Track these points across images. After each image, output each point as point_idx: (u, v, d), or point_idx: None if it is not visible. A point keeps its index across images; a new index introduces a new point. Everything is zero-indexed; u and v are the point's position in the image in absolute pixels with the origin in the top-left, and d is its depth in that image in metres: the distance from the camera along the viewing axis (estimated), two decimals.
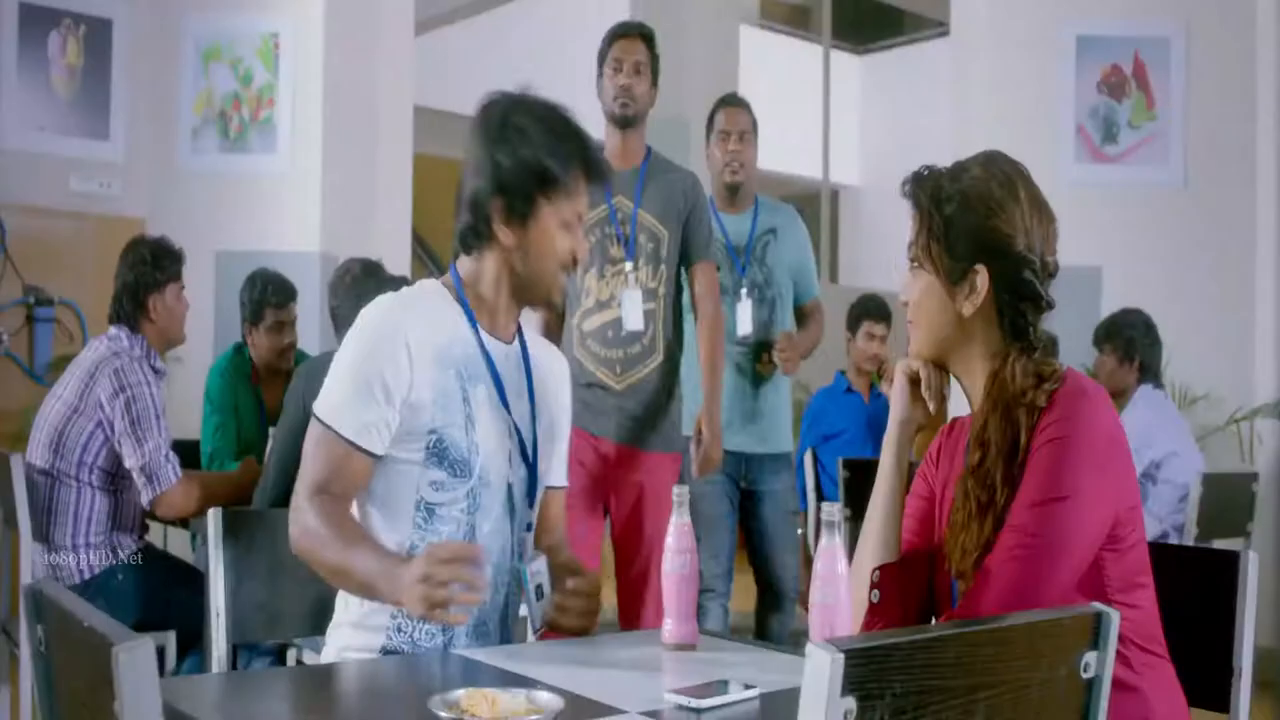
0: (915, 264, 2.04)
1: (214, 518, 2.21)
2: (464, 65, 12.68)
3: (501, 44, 13.16)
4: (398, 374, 2.21)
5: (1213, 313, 6.26)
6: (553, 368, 2.50)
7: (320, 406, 2.25)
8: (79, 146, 6.48)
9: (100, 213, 6.47)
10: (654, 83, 4.04)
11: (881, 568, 1.98)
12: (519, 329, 2.44)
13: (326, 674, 2.06)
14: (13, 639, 3.90)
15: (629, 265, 3.83)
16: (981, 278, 1.98)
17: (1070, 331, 5.47)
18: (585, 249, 2.40)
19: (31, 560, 3.74)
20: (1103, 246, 6.24)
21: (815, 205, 14.56)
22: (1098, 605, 1.40)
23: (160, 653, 3.80)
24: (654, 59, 4.03)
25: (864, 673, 1.15)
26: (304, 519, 2.18)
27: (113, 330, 4.09)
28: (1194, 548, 2.16)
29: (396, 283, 3.93)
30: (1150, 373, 4.98)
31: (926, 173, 2.07)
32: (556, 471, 2.47)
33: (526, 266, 2.31)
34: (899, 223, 2.12)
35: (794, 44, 15.67)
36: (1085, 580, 1.87)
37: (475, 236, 2.32)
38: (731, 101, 4.90)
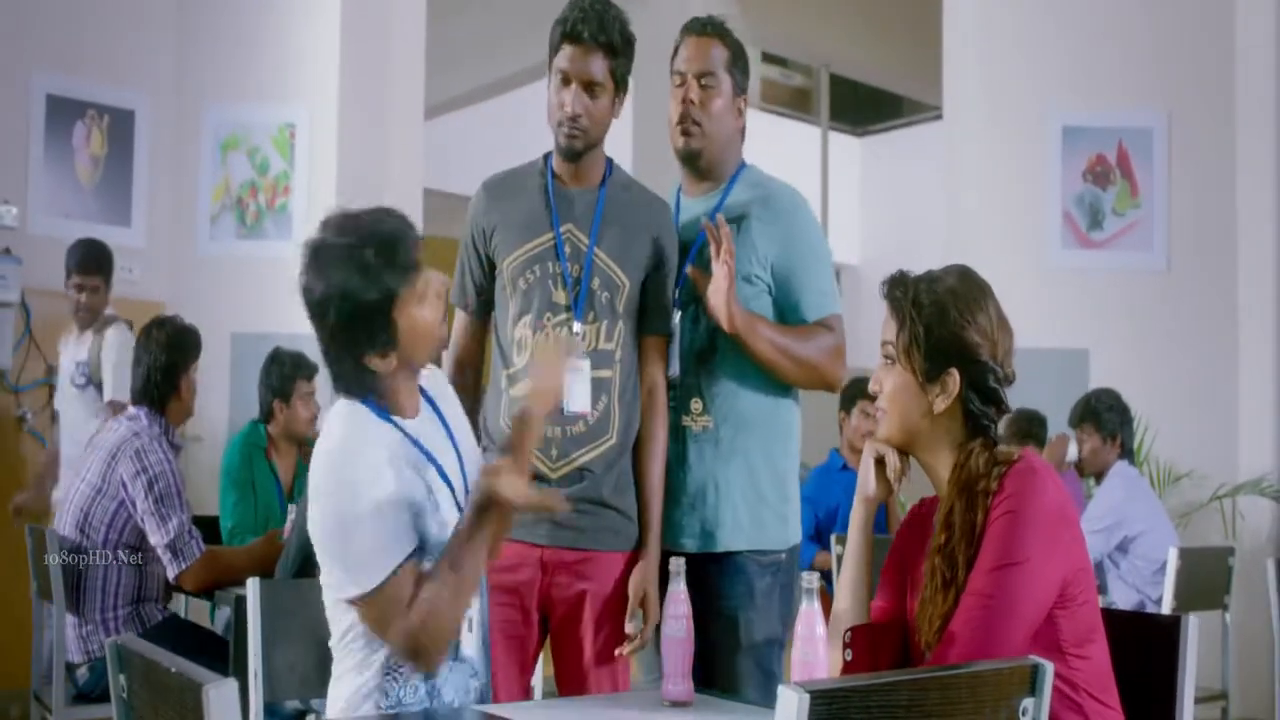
0: (889, 360, 2.26)
1: (252, 587, 2.40)
2: (471, 148, 12.97)
3: (507, 128, 13.46)
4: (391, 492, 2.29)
5: (1196, 393, 6.47)
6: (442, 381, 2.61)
7: (363, 583, 2.25)
8: (102, 233, 6.67)
9: (121, 297, 6.67)
10: (620, 91, 3.06)
11: (853, 629, 2.20)
12: (421, 392, 2.48)
13: None
14: (45, 704, 4.07)
15: (578, 325, 2.90)
16: (954, 380, 2.21)
17: (1058, 411, 5.70)
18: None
19: (64, 631, 3.93)
20: (1089, 329, 6.47)
21: None
22: (1035, 658, 1.60)
23: None
24: (619, 68, 3.03)
25: (828, 711, 1.36)
26: (420, 613, 2.23)
27: (132, 410, 4.27)
28: (1141, 614, 2.34)
29: None
30: (1125, 450, 5.18)
31: (902, 276, 2.29)
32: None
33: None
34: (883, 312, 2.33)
35: (794, 126, 15.95)
36: (1040, 636, 2.07)
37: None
38: (696, 28, 3.21)
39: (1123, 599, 4.93)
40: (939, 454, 2.25)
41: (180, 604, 5.07)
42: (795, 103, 16.55)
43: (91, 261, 5.64)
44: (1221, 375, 6.49)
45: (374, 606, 2.24)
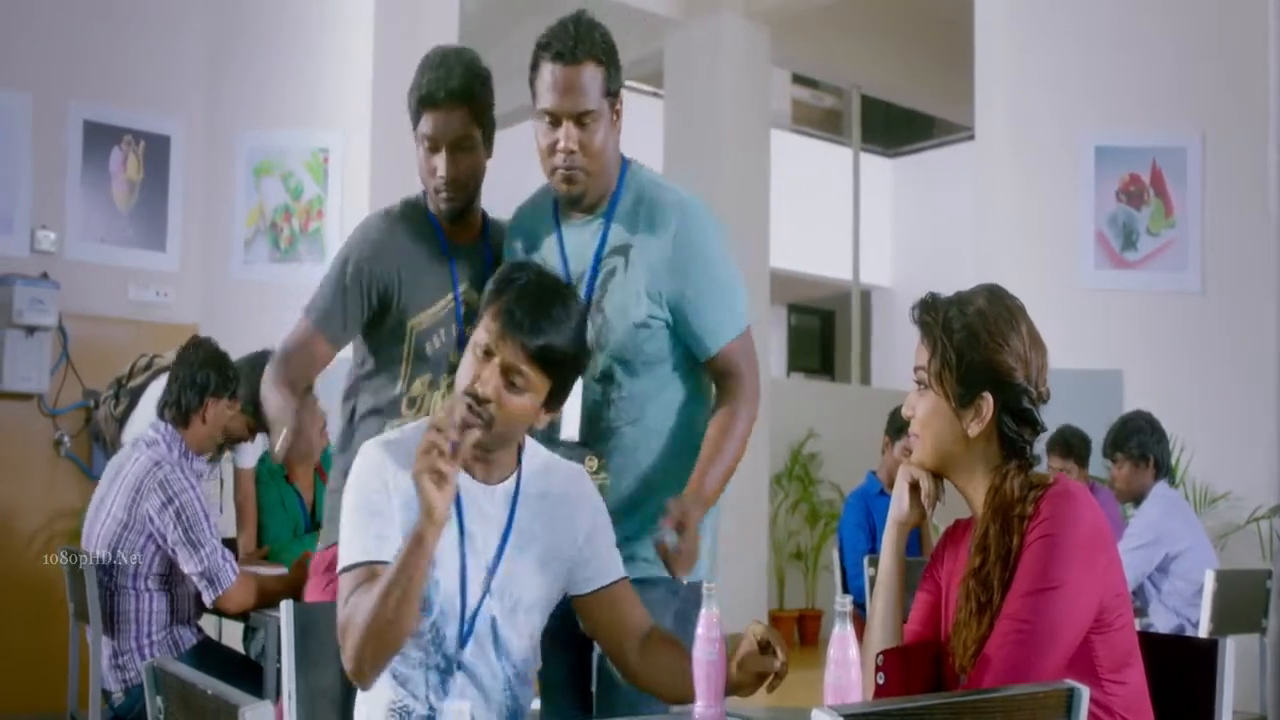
0: (923, 385, 2.25)
1: (285, 611, 2.41)
2: (499, 175, 13.02)
3: (534, 155, 13.50)
4: (386, 511, 2.33)
5: (1233, 414, 6.43)
6: (567, 491, 2.50)
7: (342, 559, 2.34)
8: (137, 257, 6.79)
9: (156, 320, 6.75)
10: (487, 140, 3.00)
11: (885, 652, 2.18)
12: (519, 464, 2.44)
13: None
14: None
15: None
16: (987, 404, 2.19)
17: (1091, 432, 5.67)
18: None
19: (100, 655, 3.95)
20: (1124, 350, 6.44)
21: (846, 307, 14.78)
22: (1070, 682, 1.59)
23: None
24: (482, 117, 2.96)
25: None
26: (344, 613, 2.27)
27: (151, 434, 4.26)
28: (1179, 637, 2.33)
29: None
30: (1163, 469, 5.15)
31: (933, 299, 2.27)
32: (600, 572, 2.48)
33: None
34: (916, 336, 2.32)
35: (825, 148, 15.98)
36: (1077, 660, 2.05)
37: None
38: (564, 55, 2.75)
39: (1163, 623, 4.90)
40: (974, 477, 2.24)
41: (210, 624, 5.10)
42: (826, 124, 16.59)
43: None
44: (1258, 396, 6.45)
45: (349, 587, 2.29)
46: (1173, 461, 6.08)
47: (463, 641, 2.36)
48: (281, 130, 6.98)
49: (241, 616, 4.34)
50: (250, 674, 4.07)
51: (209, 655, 4.14)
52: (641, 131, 11.44)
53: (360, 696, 2.39)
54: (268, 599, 4.11)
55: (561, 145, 2.75)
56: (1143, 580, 4.86)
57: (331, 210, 6.92)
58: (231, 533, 5.19)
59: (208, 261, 6.96)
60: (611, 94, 2.81)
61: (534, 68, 2.79)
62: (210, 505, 4.19)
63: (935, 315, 2.25)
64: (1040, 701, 1.57)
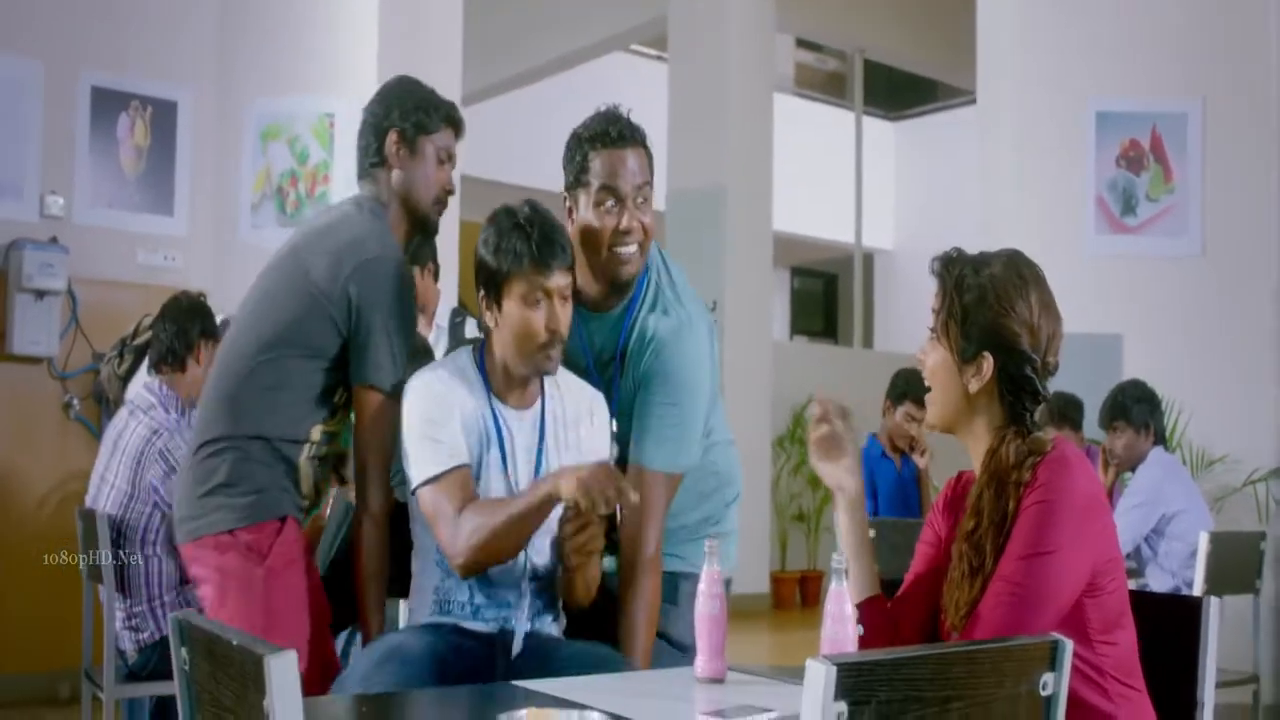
0: (934, 334, 2.31)
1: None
2: (506, 136, 13.06)
3: (540, 116, 13.54)
4: (447, 423, 2.74)
5: (1231, 378, 6.50)
6: (580, 408, 2.89)
7: (416, 477, 2.72)
8: (145, 222, 6.84)
9: (164, 284, 6.78)
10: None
11: (861, 604, 2.26)
12: (542, 392, 2.85)
13: (408, 700, 2.36)
14: (95, 683, 4.19)
15: None
16: (987, 364, 2.25)
17: (1092, 396, 5.74)
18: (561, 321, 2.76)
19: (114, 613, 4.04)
20: (1123, 315, 6.50)
21: (849, 271, 14.86)
22: (1055, 635, 1.67)
23: None
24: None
25: (853, 682, 1.44)
26: (464, 533, 2.62)
27: (145, 396, 4.33)
28: (1168, 595, 2.41)
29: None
30: (1159, 436, 5.23)
31: (956, 255, 2.33)
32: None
33: (504, 339, 2.78)
34: (932, 287, 2.38)
35: (828, 111, 16.03)
36: (1068, 621, 2.12)
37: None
38: (625, 139, 2.88)
39: (1159, 584, 4.99)
40: (977, 437, 2.29)
41: None
42: (830, 88, 16.62)
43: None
44: (1256, 360, 6.51)
45: (424, 498, 2.69)
46: (1171, 424, 6.18)
47: None
48: (288, 96, 7.02)
49: None
50: None
51: None
52: (647, 94, 11.49)
53: (415, 585, 2.84)
54: None
55: (625, 225, 2.85)
56: (1139, 541, 4.95)
57: (337, 175, 6.95)
58: None
59: (215, 226, 7.02)
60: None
61: (581, 159, 2.90)
62: None
63: (951, 271, 2.31)
64: (1027, 653, 1.65)
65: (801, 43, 16.03)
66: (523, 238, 2.70)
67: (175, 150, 6.94)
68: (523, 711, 1.90)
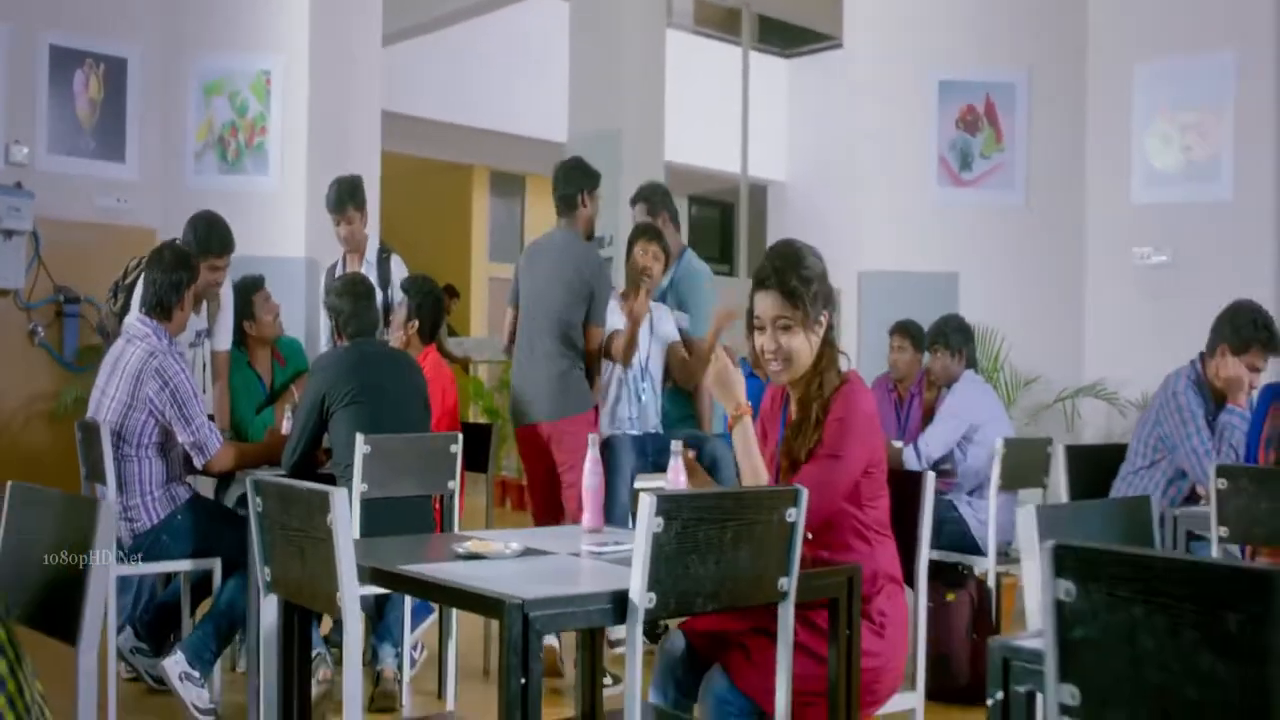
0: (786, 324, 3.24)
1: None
2: (425, 74, 13.85)
3: (457, 57, 14.34)
4: None
5: (1048, 309, 7.61)
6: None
7: None
8: (100, 169, 7.65)
9: (118, 224, 7.63)
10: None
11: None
12: None
13: None
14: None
15: None
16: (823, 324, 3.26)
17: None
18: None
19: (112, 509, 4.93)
20: (960, 256, 7.57)
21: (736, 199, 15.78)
22: (796, 485, 2.68)
23: (208, 576, 4.99)
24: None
25: (667, 507, 2.45)
26: None
27: (139, 327, 5.18)
28: (909, 473, 3.38)
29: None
30: (970, 361, 6.24)
31: (781, 264, 3.27)
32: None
33: None
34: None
35: (725, 48, 16.83)
36: (850, 492, 3.14)
37: None
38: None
39: (969, 482, 5.99)
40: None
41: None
42: (726, 25, 17.41)
43: (228, 245, 5.96)
44: (1067, 296, 7.61)
45: None
46: (995, 349, 7.27)
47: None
48: (229, 53, 7.83)
49: (222, 478, 5.34)
50: (235, 521, 5.04)
51: (199, 506, 5.12)
52: (553, 41, 12.21)
53: None
54: (247, 461, 5.12)
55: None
56: (953, 446, 5.97)
57: (274, 126, 7.81)
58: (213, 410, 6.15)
59: (164, 172, 7.84)
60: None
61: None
62: (198, 388, 5.16)
63: (783, 272, 3.28)
64: (778, 496, 2.65)
65: None
66: None
67: (126, 103, 7.74)
68: (469, 540, 2.89)
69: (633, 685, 2.49)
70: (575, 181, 5.82)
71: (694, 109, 14.44)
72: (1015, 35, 7.73)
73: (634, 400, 5.66)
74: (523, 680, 2.29)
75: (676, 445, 3.20)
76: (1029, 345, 7.42)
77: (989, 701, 2.04)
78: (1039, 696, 2.01)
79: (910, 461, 5.79)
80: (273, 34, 7.88)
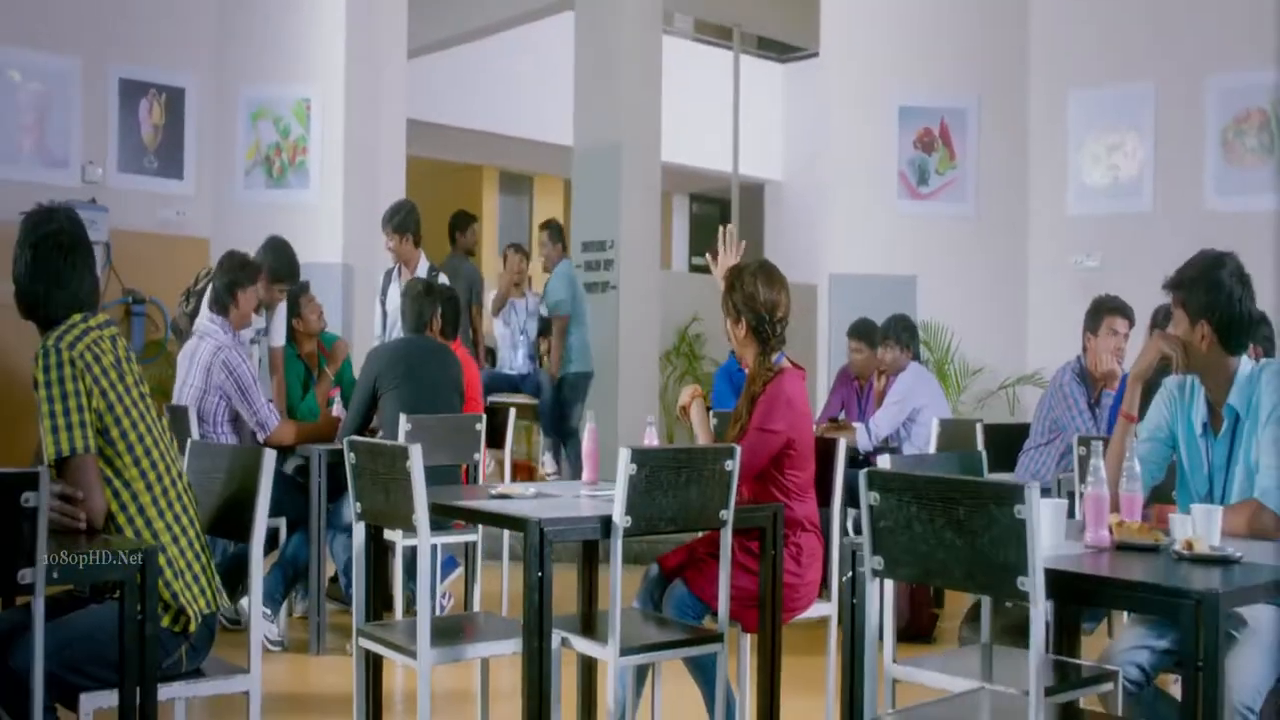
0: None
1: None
2: (450, 85, 14.85)
3: (479, 70, 15.36)
4: None
5: (994, 309, 8.65)
6: None
7: None
8: (162, 185, 8.72)
9: (177, 234, 8.70)
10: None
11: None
12: None
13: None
14: None
15: None
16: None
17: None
18: None
19: None
20: (917, 261, 8.61)
21: (742, 196, 16.75)
22: (733, 445, 3.72)
23: (275, 532, 6.01)
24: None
25: (639, 458, 3.47)
26: None
27: (208, 324, 6.20)
28: (826, 440, 4.38)
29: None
30: (915, 353, 7.25)
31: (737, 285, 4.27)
32: None
33: None
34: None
35: (723, 55, 17.73)
36: (776, 459, 4.11)
37: None
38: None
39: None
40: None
41: None
42: (725, 34, 18.32)
43: (295, 273, 6.84)
44: (1010, 296, 8.66)
45: None
46: (947, 343, 8.29)
47: None
48: (273, 83, 8.89)
49: (282, 450, 6.38)
50: (294, 486, 6.06)
51: None
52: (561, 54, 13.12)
53: None
54: (302, 438, 6.16)
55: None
56: (897, 426, 6.98)
57: (313, 147, 8.86)
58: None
59: (216, 188, 8.91)
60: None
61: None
62: (257, 375, 6.19)
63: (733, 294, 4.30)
64: (721, 452, 3.68)
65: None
66: None
67: (184, 128, 8.80)
68: (499, 487, 3.95)
69: (614, 587, 3.53)
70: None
71: (694, 113, 15.37)
72: (966, 67, 8.78)
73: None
74: (539, 574, 3.33)
75: (651, 417, 4.24)
76: (977, 339, 8.46)
77: (843, 579, 3.09)
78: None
79: (862, 439, 6.80)
80: (311, 66, 8.92)
